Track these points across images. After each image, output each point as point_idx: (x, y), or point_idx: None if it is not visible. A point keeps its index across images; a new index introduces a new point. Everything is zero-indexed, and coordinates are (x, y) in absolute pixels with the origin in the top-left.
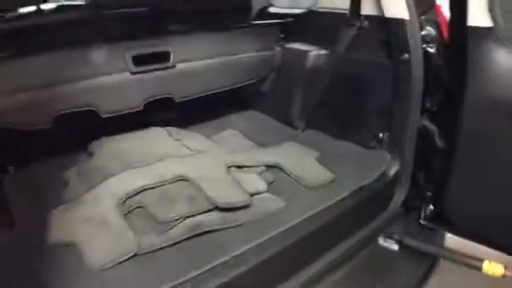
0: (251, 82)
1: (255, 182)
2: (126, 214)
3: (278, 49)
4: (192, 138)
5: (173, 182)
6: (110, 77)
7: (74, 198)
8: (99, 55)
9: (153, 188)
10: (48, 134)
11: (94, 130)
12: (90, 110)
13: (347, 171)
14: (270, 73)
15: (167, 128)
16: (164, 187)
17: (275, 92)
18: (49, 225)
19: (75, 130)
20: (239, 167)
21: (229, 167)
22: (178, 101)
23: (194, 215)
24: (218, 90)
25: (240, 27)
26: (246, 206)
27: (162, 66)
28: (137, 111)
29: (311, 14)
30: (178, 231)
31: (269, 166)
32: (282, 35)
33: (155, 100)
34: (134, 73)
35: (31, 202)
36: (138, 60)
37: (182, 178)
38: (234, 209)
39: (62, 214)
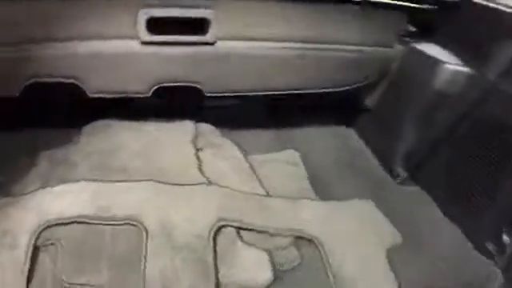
0: (343, 89)
1: (252, 266)
2: (40, 248)
3: (398, 47)
4: (220, 152)
5: (119, 225)
6: (108, 42)
7: (23, 190)
8: (98, 10)
9: (88, 223)
10: (48, 103)
11: (109, 106)
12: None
13: None
14: (380, 80)
15: (200, 126)
16: (102, 228)
17: (380, 111)
18: None
19: (81, 103)
20: (242, 229)
21: (220, 227)
22: (207, 94)
23: None
24: (283, 92)
25: (342, 1)
26: None
27: (194, 39)
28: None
29: (465, 6)
30: None
31: (300, 237)
32: (411, 27)
33: None
34: (145, 43)
35: None
36: (155, 25)
37: (134, 224)
38: None
39: None
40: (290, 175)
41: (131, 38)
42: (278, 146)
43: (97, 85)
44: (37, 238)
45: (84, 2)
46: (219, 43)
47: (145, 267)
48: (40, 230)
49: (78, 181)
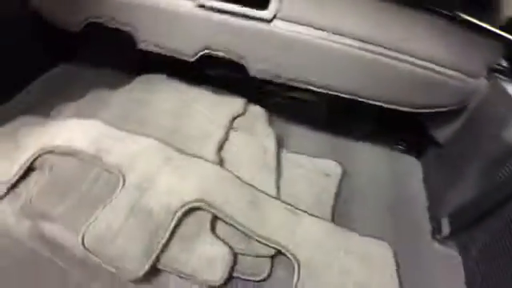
0: (408, 110)
1: (206, 259)
2: (36, 168)
3: (484, 80)
4: (253, 138)
5: (105, 170)
6: None
7: (57, 115)
8: None
9: (81, 160)
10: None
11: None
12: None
13: None
14: (457, 113)
15: (251, 107)
16: (91, 168)
17: (448, 150)
18: None
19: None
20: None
21: (196, 208)
22: (252, 75)
23: None
24: (336, 94)
25: (434, 12)
26: None
27: (250, 12)
28: None
29: None
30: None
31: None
32: (504, 63)
33: None
34: (201, 6)
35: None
36: None
37: (118, 174)
38: None
39: (25, 125)
40: (315, 185)
41: None
42: (326, 152)
43: (147, 37)
44: (36, 159)
45: None
46: (276, 23)
47: (99, 213)
48: (41, 152)
49: (97, 119)
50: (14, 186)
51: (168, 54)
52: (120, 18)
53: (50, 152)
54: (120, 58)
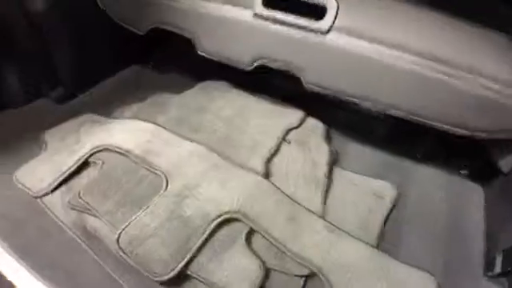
0: (467, 133)
1: (234, 272)
2: (91, 163)
3: None
4: (306, 153)
5: (150, 171)
6: (224, 7)
7: (119, 115)
8: None
9: (132, 161)
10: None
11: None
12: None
13: None
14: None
15: (309, 120)
16: (138, 168)
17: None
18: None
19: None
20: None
21: (232, 219)
22: (306, 86)
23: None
24: (397, 114)
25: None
26: None
27: (306, 23)
28: None
29: None
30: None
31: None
32: None
33: None
34: (257, 15)
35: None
36: (274, 1)
37: (162, 173)
38: None
39: (88, 122)
40: (365, 205)
41: (246, 7)
42: (384, 172)
43: (206, 44)
44: (91, 155)
45: None
46: (331, 35)
47: (138, 215)
48: (96, 149)
49: (153, 122)
50: (69, 178)
51: (224, 62)
52: (181, 25)
53: (104, 150)
54: (188, 63)
